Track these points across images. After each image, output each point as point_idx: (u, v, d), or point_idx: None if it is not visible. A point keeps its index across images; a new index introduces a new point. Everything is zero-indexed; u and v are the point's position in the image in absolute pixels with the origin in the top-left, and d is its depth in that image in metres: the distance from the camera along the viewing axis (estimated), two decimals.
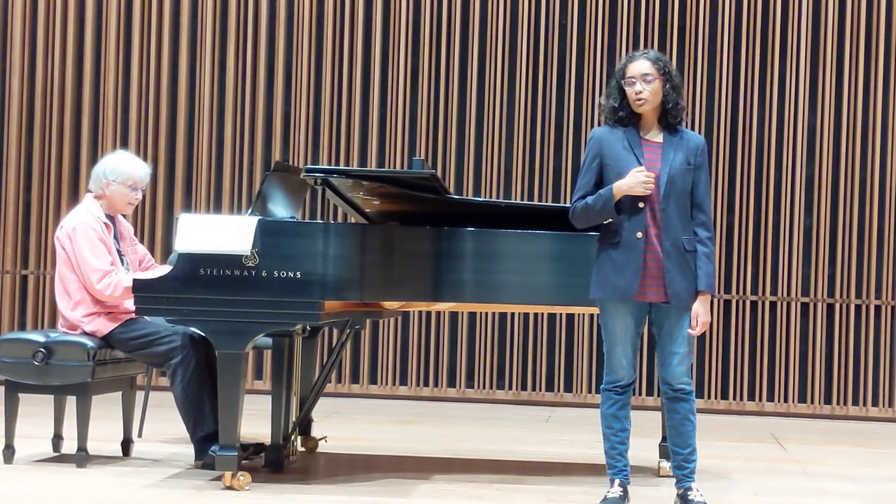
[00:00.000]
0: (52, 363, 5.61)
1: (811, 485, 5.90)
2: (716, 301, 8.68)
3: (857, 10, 8.76)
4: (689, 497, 4.91)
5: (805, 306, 8.78)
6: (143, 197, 8.92)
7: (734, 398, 8.76)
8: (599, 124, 5.15)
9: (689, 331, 4.86)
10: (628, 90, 4.86)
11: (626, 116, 4.88)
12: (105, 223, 5.83)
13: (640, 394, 8.59)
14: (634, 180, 4.77)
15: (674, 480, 5.00)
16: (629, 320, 4.88)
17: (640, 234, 4.81)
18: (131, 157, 6.03)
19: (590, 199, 4.85)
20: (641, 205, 4.81)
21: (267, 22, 9.10)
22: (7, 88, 9.21)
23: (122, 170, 5.88)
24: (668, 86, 4.86)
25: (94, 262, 5.69)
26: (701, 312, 4.85)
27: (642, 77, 4.84)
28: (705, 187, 4.92)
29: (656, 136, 4.91)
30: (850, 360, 8.71)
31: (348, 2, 9.06)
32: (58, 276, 5.81)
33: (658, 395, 7.19)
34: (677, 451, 4.96)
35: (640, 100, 4.83)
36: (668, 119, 4.89)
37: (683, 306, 4.84)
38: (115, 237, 5.90)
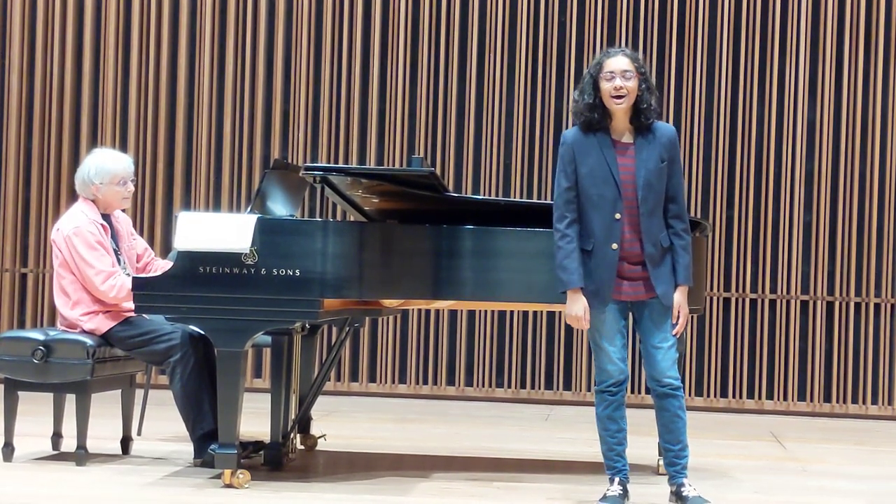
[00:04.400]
0: (52, 361, 5.60)
1: (811, 483, 5.90)
2: (715, 299, 8.68)
3: (857, 5, 8.76)
4: (684, 493, 4.94)
5: (804, 304, 8.78)
6: (143, 194, 9.01)
7: (733, 396, 8.76)
8: (569, 123, 5.14)
9: (673, 333, 4.88)
10: (606, 85, 4.83)
11: (598, 118, 4.85)
12: (101, 224, 5.81)
13: (638, 392, 8.60)
14: (574, 320, 4.85)
15: (667, 477, 5.01)
16: (611, 318, 4.87)
17: (615, 246, 4.81)
18: (109, 153, 5.98)
19: (566, 261, 4.82)
20: (618, 216, 4.81)
21: (266, 18, 9.09)
22: (6, 85, 9.20)
23: (106, 169, 5.84)
24: (643, 86, 4.85)
25: (96, 264, 5.68)
26: (681, 305, 4.87)
27: (622, 73, 4.82)
28: (678, 179, 4.91)
29: (628, 139, 4.89)
30: (849, 358, 8.71)
31: None
32: (56, 276, 5.81)
33: None
34: (668, 448, 4.99)
35: (619, 96, 4.81)
36: (642, 119, 4.87)
37: (671, 303, 4.86)
38: (113, 236, 5.89)
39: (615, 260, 4.81)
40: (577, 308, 4.84)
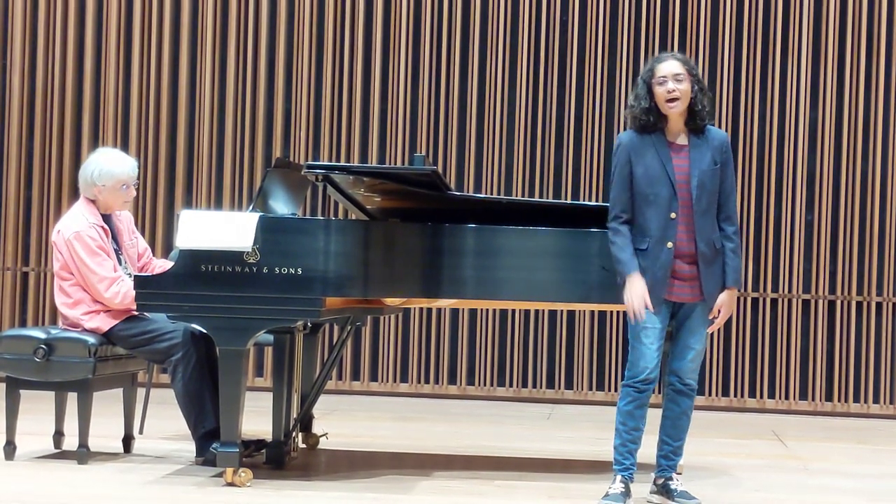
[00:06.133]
0: (54, 360, 5.60)
1: (812, 481, 5.90)
2: None
3: (859, 7, 8.75)
4: (672, 486, 5.04)
5: (806, 303, 8.77)
6: (144, 193, 9.00)
7: (735, 395, 8.76)
8: (624, 127, 5.17)
9: (710, 328, 4.93)
10: (659, 90, 4.89)
11: (654, 120, 4.90)
12: (102, 227, 5.81)
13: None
14: (634, 302, 4.83)
15: (655, 468, 5.10)
16: (656, 318, 4.89)
17: (670, 245, 4.86)
18: (113, 155, 5.95)
19: (620, 253, 4.87)
20: (673, 215, 4.85)
21: (268, 19, 9.09)
22: (8, 86, 9.20)
23: (109, 172, 5.82)
24: (695, 87, 4.91)
25: (100, 271, 5.68)
26: (725, 306, 4.93)
27: (674, 76, 4.88)
28: (731, 183, 4.99)
29: (683, 140, 4.95)
30: (851, 357, 8.71)
31: None
32: (56, 277, 5.81)
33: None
34: (667, 442, 5.08)
35: (672, 99, 4.86)
36: (697, 121, 4.93)
37: (713, 304, 4.90)
38: (114, 236, 5.88)
39: (670, 259, 4.86)
40: (634, 289, 4.83)
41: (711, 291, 4.91)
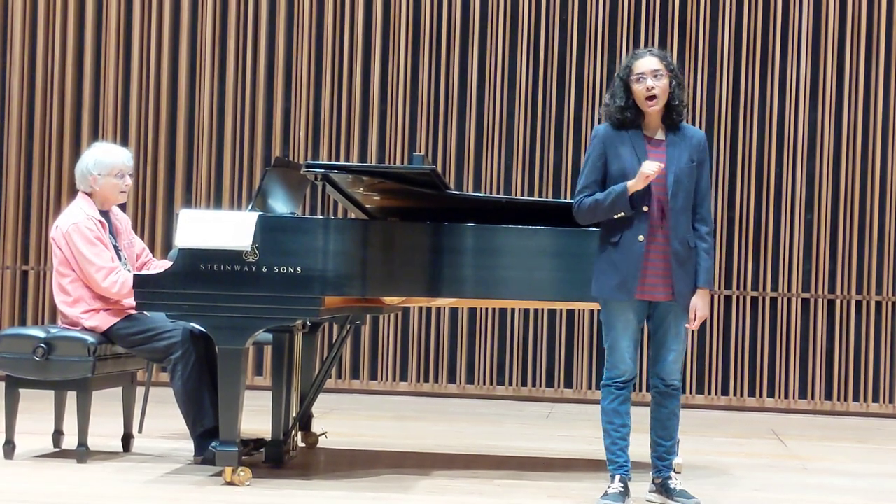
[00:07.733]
0: (53, 359, 5.60)
1: (812, 481, 5.90)
2: (716, 297, 8.67)
3: (858, 8, 8.75)
4: (671, 485, 5.03)
5: (806, 302, 8.77)
6: (144, 193, 9.01)
7: (735, 394, 8.76)
8: (600, 121, 5.15)
9: (686, 325, 4.90)
10: (637, 87, 4.84)
11: (631, 117, 4.86)
12: (100, 221, 5.81)
13: (639, 389, 8.59)
14: (640, 176, 4.76)
15: (651, 469, 5.09)
16: (630, 317, 4.90)
17: (641, 238, 4.83)
18: (108, 146, 6.02)
19: (599, 194, 4.85)
20: (645, 208, 4.82)
21: (267, 18, 9.09)
22: (7, 85, 9.20)
23: (104, 161, 5.85)
24: (673, 83, 4.87)
25: (97, 261, 5.68)
26: (700, 306, 4.91)
27: (652, 73, 4.83)
28: (706, 182, 4.96)
29: (660, 135, 4.91)
30: (850, 357, 8.71)
31: None
32: (56, 275, 5.81)
33: None
34: (660, 443, 5.07)
35: (651, 96, 4.82)
36: (673, 117, 4.89)
37: (687, 304, 4.88)
38: (112, 233, 5.89)
39: (641, 252, 4.83)
40: (647, 167, 4.74)
41: (683, 291, 4.87)
